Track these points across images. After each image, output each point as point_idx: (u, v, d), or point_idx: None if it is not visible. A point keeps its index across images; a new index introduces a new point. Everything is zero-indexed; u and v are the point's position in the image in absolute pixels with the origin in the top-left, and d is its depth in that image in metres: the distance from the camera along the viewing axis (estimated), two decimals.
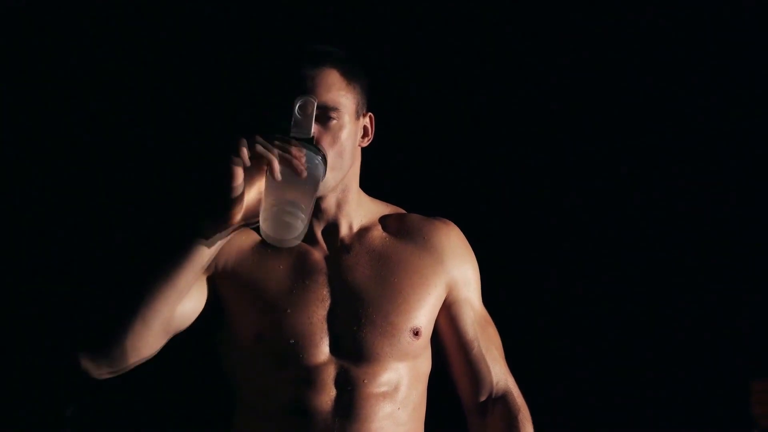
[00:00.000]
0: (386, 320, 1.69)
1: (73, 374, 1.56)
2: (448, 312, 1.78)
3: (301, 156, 1.50)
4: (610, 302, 3.08)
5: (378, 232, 1.78)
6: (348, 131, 1.68)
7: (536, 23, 3.06)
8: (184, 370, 2.81)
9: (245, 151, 1.48)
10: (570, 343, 3.08)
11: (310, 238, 1.72)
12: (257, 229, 1.56)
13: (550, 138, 3.11)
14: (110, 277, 1.58)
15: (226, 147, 1.50)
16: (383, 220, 1.80)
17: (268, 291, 1.69)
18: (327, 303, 1.70)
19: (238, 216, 1.52)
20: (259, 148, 1.49)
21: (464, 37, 3.08)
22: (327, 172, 1.60)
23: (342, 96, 1.67)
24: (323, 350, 1.67)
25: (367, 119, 1.76)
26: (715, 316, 3.03)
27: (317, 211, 1.73)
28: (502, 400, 1.78)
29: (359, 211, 1.78)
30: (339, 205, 1.75)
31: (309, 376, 1.66)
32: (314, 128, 1.60)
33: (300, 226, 1.51)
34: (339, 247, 1.74)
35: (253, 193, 1.53)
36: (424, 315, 1.73)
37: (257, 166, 1.51)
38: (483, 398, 1.79)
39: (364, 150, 1.78)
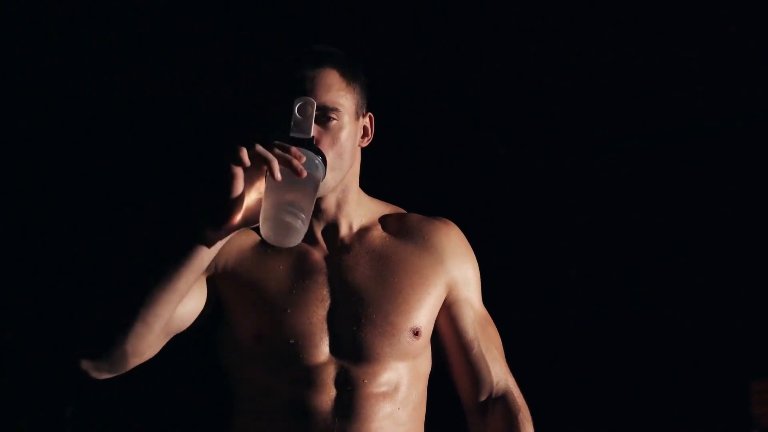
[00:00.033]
0: (386, 320, 1.69)
1: (74, 375, 1.56)
2: (448, 312, 1.78)
3: (300, 157, 1.50)
4: (610, 302, 3.08)
5: (378, 232, 1.77)
6: (348, 132, 1.68)
7: (536, 23, 3.06)
8: (184, 370, 2.81)
9: (245, 154, 1.48)
10: (570, 343, 3.08)
11: (310, 238, 1.72)
12: (257, 229, 1.55)
13: (550, 138, 3.11)
14: (111, 280, 1.58)
15: (226, 150, 1.50)
16: (383, 220, 1.80)
17: (268, 291, 1.69)
18: (327, 303, 1.70)
19: (239, 218, 1.52)
20: (259, 150, 1.49)
21: (464, 38, 3.08)
22: (327, 172, 1.60)
23: (341, 97, 1.67)
24: (323, 350, 1.67)
25: (367, 119, 1.76)
26: (715, 316, 3.03)
27: (317, 211, 1.72)
28: (502, 399, 1.77)
29: (359, 211, 1.78)
30: (339, 205, 1.75)
31: (309, 376, 1.65)
32: (314, 129, 1.60)
33: (300, 227, 1.50)
34: (339, 247, 1.74)
35: (253, 195, 1.53)
36: (424, 315, 1.72)
37: (257, 167, 1.51)
38: (483, 398, 1.78)
39: (364, 150, 1.78)
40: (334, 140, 1.65)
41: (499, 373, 1.78)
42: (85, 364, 1.56)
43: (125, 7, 3.03)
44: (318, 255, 1.73)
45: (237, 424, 1.73)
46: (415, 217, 1.82)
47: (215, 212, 1.51)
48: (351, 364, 1.67)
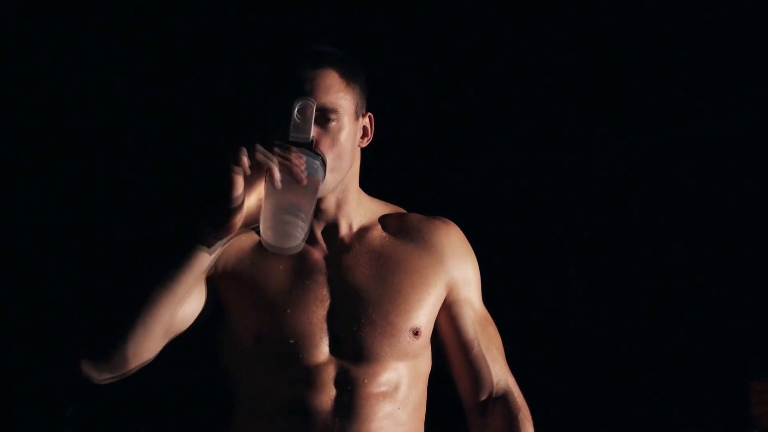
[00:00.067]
0: (386, 320, 1.68)
1: (75, 378, 1.56)
2: (448, 311, 1.78)
3: (300, 162, 1.50)
4: (610, 302, 3.08)
5: (378, 232, 1.77)
6: (347, 132, 1.68)
7: (536, 23, 3.06)
8: (184, 370, 2.81)
9: (245, 160, 1.48)
10: (570, 343, 3.08)
11: (309, 238, 1.72)
12: (257, 230, 1.56)
13: (550, 138, 3.11)
14: (111, 284, 1.58)
15: (226, 155, 1.50)
16: (383, 220, 1.80)
17: (268, 291, 1.69)
18: (327, 303, 1.70)
19: (239, 222, 1.52)
20: (259, 155, 1.49)
21: (464, 37, 3.08)
22: (327, 173, 1.60)
23: (341, 98, 1.67)
24: (323, 350, 1.67)
25: (367, 119, 1.75)
26: (715, 316, 3.03)
27: (317, 211, 1.72)
28: (503, 399, 1.77)
29: (359, 211, 1.78)
30: (339, 206, 1.75)
31: (309, 376, 1.65)
32: (313, 130, 1.60)
33: (300, 234, 1.51)
34: (339, 247, 1.74)
35: (253, 198, 1.53)
36: (423, 315, 1.72)
37: (257, 170, 1.51)
38: (483, 398, 1.78)
39: (363, 150, 1.78)
40: (334, 141, 1.65)
41: (500, 373, 1.78)
42: (87, 368, 1.56)
43: (124, 7, 3.03)
44: (318, 255, 1.73)
45: (237, 424, 1.73)
46: (415, 216, 1.82)
47: (216, 215, 1.51)
48: (351, 364, 1.67)
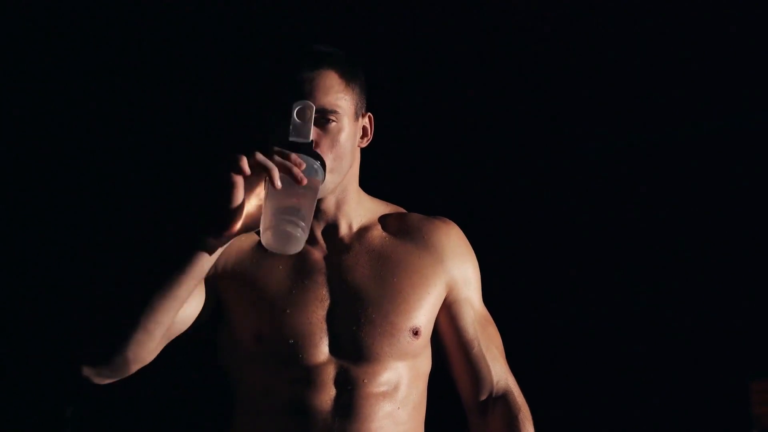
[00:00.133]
0: (386, 320, 1.68)
1: (75, 381, 1.56)
2: (448, 311, 1.78)
3: (300, 165, 1.50)
4: (610, 302, 3.08)
5: (378, 232, 1.77)
6: (347, 133, 1.68)
7: (536, 23, 3.06)
8: (184, 370, 2.81)
9: (245, 162, 1.48)
10: (570, 343, 3.08)
11: (309, 237, 1.72)
12: (257, 231, 1.56)
13: (550, 138, 3.11)
14: (111, 287, 1.58)
15: (226, 158, 1.50)
16: (383, 220, 1.80)
17: (268, 291, 1.69)
18: (326, 303, 1.70)
19: (239, 225, 1.52)
20: (259, 158, 1.49)
21: (464, 37, 3.08)
22: (326, 174, 1.60)
23: (340, 98, 1.67)
24: (323, 350, 1.67)
25: (366, 119, 1.75)
26: (715, 316, 3.03)
27: (317, 211, 1.72)
28: (503, 399, 1.77)
29: (359, 211, 1.77)
30: (338, 206, 1.75)
31: (309, 375, 1.65)
32: (313, 132, 1.60)
33: (300, 235, 1.51)
34: (338, 247, 1.74)
35: (253, 201, 1.53)
36: (423, 314, 1.72)
37: (257, 174, 1.51)
38: (483, 397, 1.78)
39: (363, 150, 1.78)
40: (334, 142, 1.65)
41: (500, 373, 1.78)
42: (87, 371, 1.56)
43: (124, 8, 3.03)
44: (318, 255, 1.73)
45: (237, 424, 1.73)
46: (415, 216, 1.82)
47: (216, 220, 1.51)
48: (351, 364, 1.67)
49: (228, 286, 1.70)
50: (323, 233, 1.75)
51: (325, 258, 1.73)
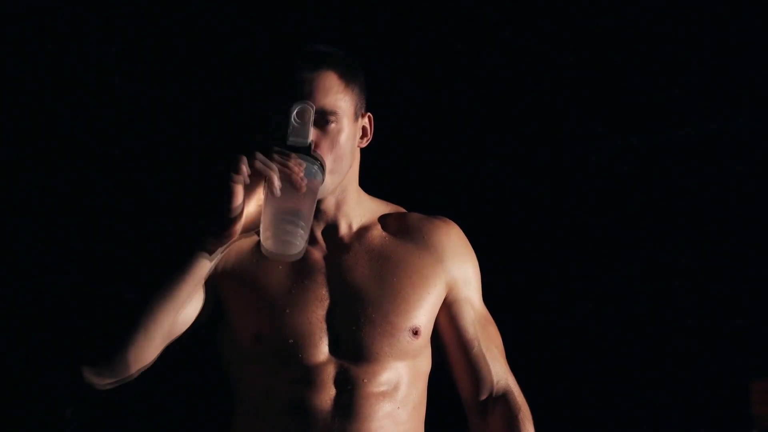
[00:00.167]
0: (385, 320, 1.68)
1: (77, 385, 1.57)
2: (448, 311, 1.78)
3: (299, 169, 1.50)
4: (610, 302, 3.08)
5: (378, 232, 1.77)
6: (347, 134, 1.68)
7: (536, 23, 3.06)
8: (184, 370, 2.81)
9: (245, 169, 1.48)
10: (570, 343, 3.08)
11: (309, 237, 1.72)
12: (257, 231, 1.56)
13: (550, 138, 3.11)
14: (112, 291, 1.59)
15: (225, 164, 1.50)
16: (383, 219, 1.80)
17: (267, 291, 1.69)
18: (326, 303, 1.70)
19: (239, 229, 1.53)
20: (258, 164, 1.49)
21: (464, 37, 3.08)
22: (326, 175, 1.61)
23: (340, 99, 1.67)
24: (322, 350, 1.67)
25: (366, 120, 1.75)
26: (715, 316, 3.03)
27: (317, 211, 1.72)
28: (503, 398, 1.77)
29: (358, 211, 1.77)
30: (338, 206, 1.75)
31: (308, 375, 1.65)
32: (313, 133, 1.60)
33: (300, 242, 1.51)
34: (338, 247, 1.74)
35: (253, 204, 1.53)
36: (423, 314, 1.72)
37: (256, 177, 1.51)
38: (483, 397, 1.78)
39: (363, 150, 1.78)
40: (333, 143, 1.65)
41: (500, 372, 1.78)
42: (89, 375, 1.57)
43: (122, 8, 3.03)
44: (317, 255, 1.73)
45: (237, 424, 1.73)
46: (415, 216, 1.82)
47: (215, 223, 1.51)
48: (351, 364, 1.67)
49: (228, 285, 1.70)
50: (323, 233, 1.75)
51: (325, 258, 1.73)
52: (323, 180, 1.58)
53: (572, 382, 3.06)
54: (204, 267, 1.55)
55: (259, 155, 1.50)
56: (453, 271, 1.78)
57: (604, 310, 3.08)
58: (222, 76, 3.07)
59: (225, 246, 1.56)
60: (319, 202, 1.72)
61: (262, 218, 1.52)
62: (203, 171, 2.84)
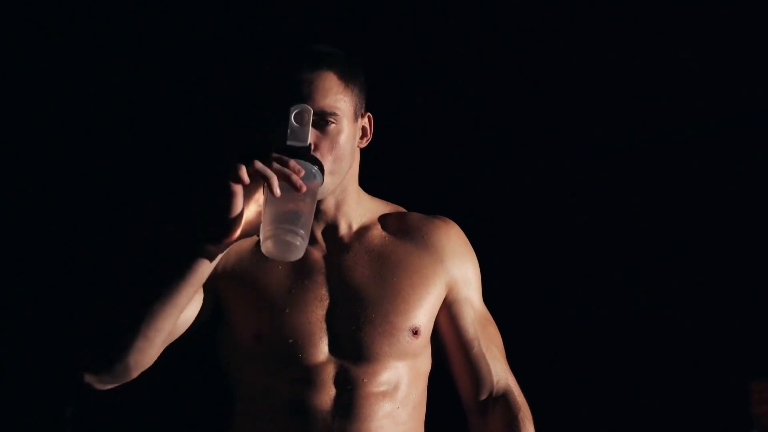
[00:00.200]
0: (385, 320, 1.69)
1: (76, 385, 1.57)
2: (448, 311, 1.78)
3: (299, 171, 1.50)
4: (610, 302, 3.08)
5: (377, 231, 1.77)
6: (346, 135, 1.68)
7: (536, 23, 3.06)
8: (184, 370, 2.81)
9: (244, 172, 1.49)
10: (570, 343, 3.08)
11: (309, 237, 1.72)
12: (257, 234, 1.56)
13: (550, 138, 3.11)
14: (112, 295, 1.59)
15: (224, 169, 1.51)
16: (383, 219, 1.80)
17: (267, 291, 1.69)
18: (326, 303, 1.70)
19: (238, 233, 1.53)
20: (258, 167, 1.49)
21: (464, 37, 3.08)
22: (326, 176, 1.61)
23: (340, 100, 1.67)
24: (322, 350, 1.67)
25: (366, 120, 1.75)
26: (715, 316, 3.03)
27: (317, 211, 1.72)
28: (503, 398, 1.77)
29: (358, 210, 1.78)
30: (338, 206, 1.75)
31: (308, 375, 1.66)
32: (312, 134, 1.60)
33: (300, 244, 1.51)
34: (338, 247, 1.74)
35: (252, 207, 1.54)
36: (423, 314, 1.72)
37: (256, 181, 1.51)
38: (483, 397, 1.78)
39: (363, 150, 1.78)
40: (333, 144, 1.65)
41: (500, 372, 1.78)
42: (89, 378, 1.57)
43: (120, 8, 3.03)
44: (317, 254, 1.73)
45: (237, 424, 1.73)
46: (414, 216, 1.82)
47: (215, 227, 1.52)
48: (350, 364, 1.67)
49: (227, 286, 1.70)
50: (323, 233, 1.75)
51: (325, 258, 1.73)
52: (322, 181, 1.58)
53: (572, 382, 3.06)
54: (204, 271, 1.56)
55: (257, 162, 1.51)
56: (453, 271, 1.78)
57: (604, 310, 3.08)
58: (222, 77, 3.07)
59: (224, 250, 1.56)
60: (319, 202, 1.72)
61: (262, 222, 1.52)
62: (203, 175, 2.84)
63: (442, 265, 1.77)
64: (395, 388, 1.69)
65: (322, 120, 1.64)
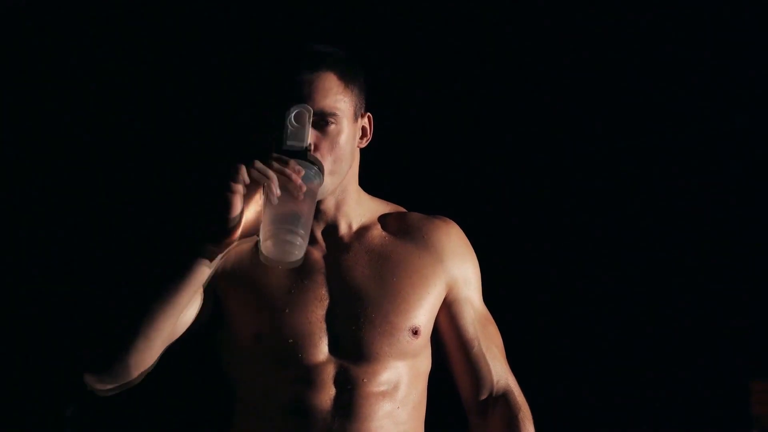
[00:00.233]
0: (385, 320, 1.69)
1: (77, 387, 1.57)
2: (448, 310, 1.78)
3: (298, 174, 1.50)
4: (610, 302, 3.08)
5: (377, 231, 1.77)
6: (346, 135, 1.67)
7: (536, 23, 3.06)
8: (184, 369, 2.81)
9: (244, 174, 1.49)
10: (570, 343, 3.08)
11: (309, 237, 1.72)
12: (256, 232, 1.56)
13: (550, 138, 3.11)
14: (112, 297, 1.59)
15: (224, 171, 1.51)
16: (383, 219, 1.80)
17: (267, 291, 1.69)
18: (326, 302, 1.70)
19: (237, 235, 1.54)
20: (256, 172, 1.50)
21: (464, 37, 3.08)
22: (326, 177, 1.61)
23: (339, 100, 1.66)
24: (322, 350, 1.67)
25: (366, 120, 1.75)
26: (715, 316, 3.03)
27: (316, 211, 1.72)
28: (503, 398, 1.77)
29: (358, 210, 1.77)
30: (338, 206, 1.75)
31: (308, 375, 1.66)
32: (312, 134, 1.60)
33: (300, 248, 1.52)
34: (338, 247, 1.74)
35: (252, 208, 1.54)
36: (423, 314, 1.72)
37: (255, 184, 1.51)
38: (483, 397, 1.78)
39: (363, 149, 1.78)
40: (333, 145, 1.65)
41: (500, 372, 1.78)
42: (91, 382, 1.58)
43: (119, 8, 3.03)
44: (317, 254, 1.73)
45: (237, 424, 1.73)
46: (415, 215, 1.82)
47: (214, 230, 1.52)
48: (350, 364, 1.67)
49: (227, 286, 1.70)
50: (323, 233, 1.75)
51: (325, 257, 1.73)
52: (322, 182, 1.58)
53: (572, 382, 3.06)
54: (203, 273, 1.56)
55: (257, 163, 1.51)
56: (453, 271, 1.78)
57: (604, 310, 3.08)
58: (222, 77, 3.07)
59: (223, 252, 1.57)
60: (319, 202, 1.72)
61: (261, 223, 1.52)
62: (202, 177, 2.84)
63: (442, 265, 1.77)
64: (395, 388, 1.69)
65: (322, 120, 1.64)
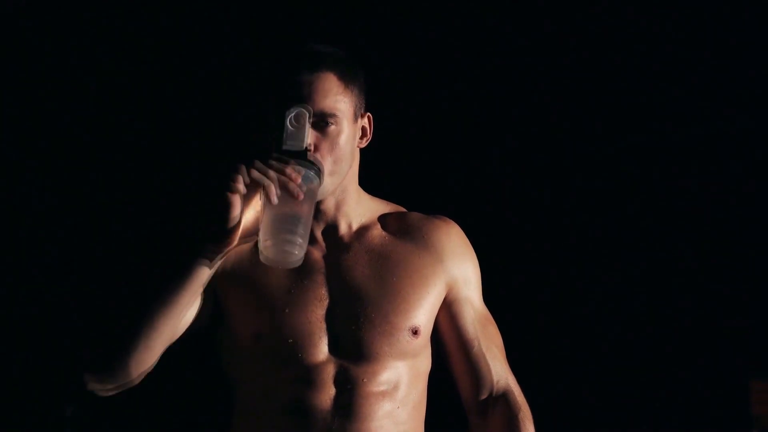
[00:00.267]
0: (385, 319, 1.68)
1: (78, 387, 1.58)
2: (448, 310, 1.78)
3: (297, 177, 1.50)
4: (610, 302, 3.08)
5: (377, 231, 1.77)
6: (346, 135, 1.67)
7: (536, 23, 3.06)
8: (184, 369, 2.81)
9: (243, 177, 1.49)
10: (570, 343, 3.08)
11: (309, 237, 1.72)
12: (256, 231, 1.56)
13: (550, 138, 3.11)
14: (112, 299, 1.59)
15: (223, 176, 1.51)
16: (383, 219, 1.80)
17: (267, 291, 1.69)
18: (325, 302, 1.70)
19: (237, 237, 1.54)
20: (255, 174, 1.50)
21: (464, 37, 3.08)
22: (326, 177, 1.61)
23: (339, 101, 1.66)
24: (322, 349, 1.67)
25: (366, 120, 1.75)
26: (715, 316, 3.03)
27: (316, 211, 1.72)
28: (503, 398, 1.77)
29: (358, 210, 1.77)
30: (338, 206, 1.75)
31: (308, 375, 1.66)
32: (312, 135, 1.60)
33: (299, 249, 1.52)
34: (338, 247, 1.74)
35: (251, 211, 1.54)
36: (423, 314, 1.72)
37: (254, 186, 1.52)
38: (483, 397, 1.78)
39: (363, 150, 1.78)
40: (333, 146, 1.65)
41: (500, 372, 1.78)
42: (92, 384, 1.58)
43: (119, 9, 3.03)
44: (317, 254, 1.73)
45: (237, 424, 1.73)
46: (415, 215, 1.82)
47: (215, 230, 1.52)
48: (350, 364, 1.67)
49: (227, 286, 1.70)
50: (323, 233, 1.75)
51: (325, 257, 1.73)
52: (321, 183, 1.58)
53: (572, 382, 3.06)
54: (204, 274, 1.56)
55: (257, 164, 1.51)
56: (453, 271, 1.78)
57: (604, 310, 3.08)
58: (222, 78, 3.07)
59: (223, 253, 1.57)
60: (319, 202, 1.72)
61: (261, 225, 1.52)
62: (202, 177, 2.84)
63: (442, 265, 1.77)
64: (395, 387, 1.69)
65: (322, 121, 1.64)
